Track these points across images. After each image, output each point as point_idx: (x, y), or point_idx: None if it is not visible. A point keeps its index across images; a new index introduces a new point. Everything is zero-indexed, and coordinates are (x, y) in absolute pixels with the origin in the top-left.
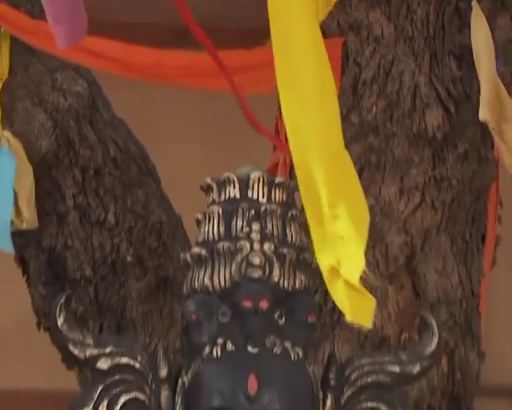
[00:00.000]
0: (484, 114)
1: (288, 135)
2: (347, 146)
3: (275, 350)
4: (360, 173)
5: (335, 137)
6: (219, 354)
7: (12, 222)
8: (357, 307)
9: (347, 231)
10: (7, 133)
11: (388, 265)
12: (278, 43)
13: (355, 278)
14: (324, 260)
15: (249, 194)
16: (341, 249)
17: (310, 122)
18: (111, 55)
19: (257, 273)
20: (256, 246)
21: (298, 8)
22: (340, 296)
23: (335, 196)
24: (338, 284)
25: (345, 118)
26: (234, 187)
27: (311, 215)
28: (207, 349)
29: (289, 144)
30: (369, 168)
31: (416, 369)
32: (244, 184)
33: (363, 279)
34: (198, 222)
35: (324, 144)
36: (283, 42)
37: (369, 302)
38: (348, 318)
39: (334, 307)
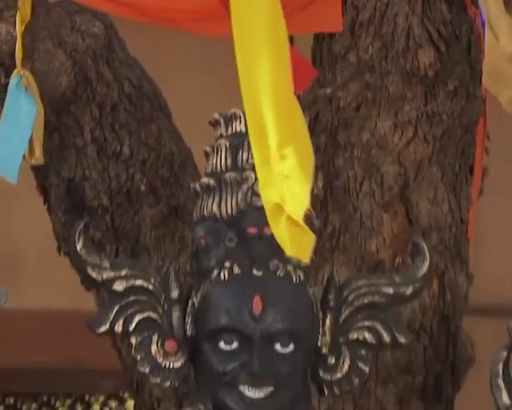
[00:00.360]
0: (486, 82)
1: (240, 78)
2: (346, 84)
3: (278, 273)
4: (357, 109)
5: (285, 82)
6: (226, 276)
7: (23, 157)
8: (297, 243)
9: (294, 170)
10: (27, 73)
11: (383, 194)
12: None
13: (298, 215)
14: (269, 198)
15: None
16: (286, 188)
17: (261, 67)
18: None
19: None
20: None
21: None
22: (282, 232)
23: (284, 137)
24: (281, 220)
25: (343, 58)
26: (240, 122)
27: (258, 155)
28: (215, 272)
29: (241, 87)
30: (365, 104)
31: (409, 290)
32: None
33: (306, 217)
34: (206, 154)
35: (275, 89)
36: None
37: (309, 238)
38: (288, 252)
39: (333, 232)
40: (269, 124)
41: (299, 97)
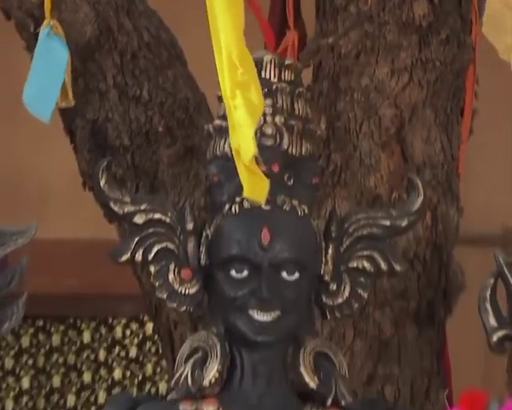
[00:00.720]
0: (486, 30)
1: (212, 34)
2: (346, 34)
3: (284, 207)
4: (357, 57)
5: (238, 38)
6: (237, 210)
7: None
8: (253, 186)
9: (243, 119)
10: (56, 23)
11: (381, 134)
12: None
13: (248, 161)
14: (233, 144)
15: (262, 74)
16: (240, 135)
17: (220, 24)
18: None
19: (269, 142)
20: (268, 119)
21: None
22: (242, 175)
23: (234, 89)
24: (240, 164)
25: (344, 9)
26: (254, 66)
27: (226, 105)
28: (227, 206)
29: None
30: (365, 52)
31: (405, 223)
32: (258, 66)
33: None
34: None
35: (227, 45)
36: None
37: (264, 183)
38: (245, 194)
39: (335, 169)
40: (226, 78)
41: (304, 47)
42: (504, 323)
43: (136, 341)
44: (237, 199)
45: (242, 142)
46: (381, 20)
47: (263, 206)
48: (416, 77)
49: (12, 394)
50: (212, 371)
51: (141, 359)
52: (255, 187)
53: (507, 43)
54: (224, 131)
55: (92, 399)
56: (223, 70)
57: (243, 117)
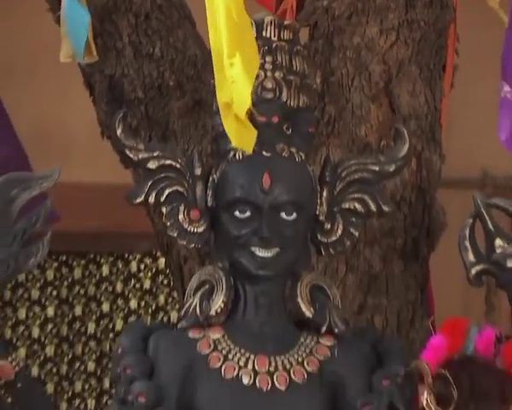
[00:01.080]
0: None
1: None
2: None
3: (283, 154)
4: (349, 18)
5: (238, 3)
6: (241, 157)
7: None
8: (242, 136)
9: (239, 76)
10: None
11: (371, 88)
12: None
13: (242, 114)
14: (222, 98)
15: (263, 34)
16: (235, 90)
17: None
18: None
19: (269, 95)
20: (269, 74)
21: None
22: (230, 127)
23: (233, 48)
24: (229, 117)
25: None
26: (255, 30)
27: (216, 63)
28: (231, 153)
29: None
30: (356, 14)
31: (392, 168)
32: (260, 26)
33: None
34: None
35: (228, 8)
36: None
37: (252, 133)
38: (233, 143)
39: (329, 120)
40: (223, 37)
41: (302, 8)
42: (482, 259)
43: (149, 274)
44: (237, 170)
45: (236, 96)
46: None
47: (264, 153)
48: (403, 36)
49: (38, 322)
50: (218, 302)
51: (154, 290)
52: (243, 137)
53: None
54: None
55: (110, 326)
56: (220, 33)
57: (240, 74)
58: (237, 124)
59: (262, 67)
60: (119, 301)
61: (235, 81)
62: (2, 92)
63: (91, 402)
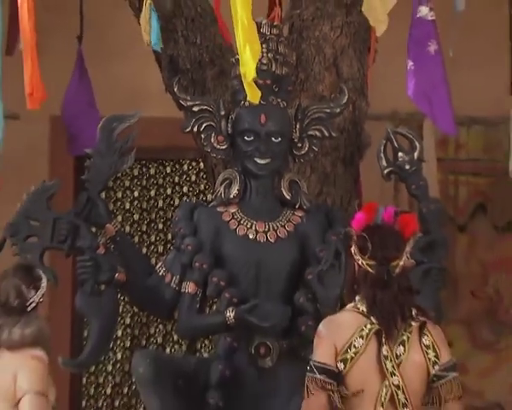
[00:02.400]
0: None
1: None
2: (307, 7)
3: (273, 103)
4: (313, 20)
5: (247, 11)
6: (248, 104)
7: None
8: (252, 94)
9: (248, 62)
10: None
11: (325, 62)
12: None
13: (250, 80)
14: (243, 72)
15: (261, 30)
16: (247, 66)
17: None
18: None
19: (265, 67)
20: (264, 55)
21: None
22: (246, 88)
23: (245, 42)
24: (245, 83)
25: None
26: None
27: (238, 49)
28: (242, 102)
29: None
30: (316, 18)
31: (338, 110)
32: (259, 26)
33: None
34: (236, 60)
35: (241, 16)
36: None
37: (257, 93)
38: (248, 98)
39: (301, 82)
40: (240, 35)
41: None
42: (390, 164)
43: (194, 172)
44: (246, 113)
45: (247, 70)
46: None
47: (261, 102)
48: (344, 31)
49: (128, 199)
50: (234, 190)
51: (197, 181)
52: (253, 95)
53: (375, 17)
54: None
55: (168, 200)
56: (239, 32)
57: (249, 57)
58: (249, 87)
59: (262, 50)
60: (177, 187)
61: (247, 61)
62: (106, 64)
63: (161, 248)
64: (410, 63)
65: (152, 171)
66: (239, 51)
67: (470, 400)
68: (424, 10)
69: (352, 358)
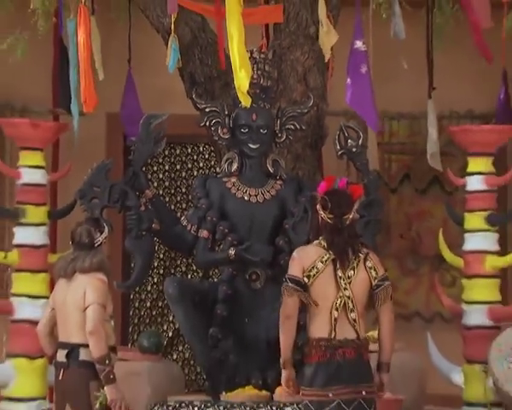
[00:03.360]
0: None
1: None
2: (285, 39)
3: (261, 106)
4: (289, 48)
5: (241, 38)
6: (243, 106)
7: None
8: (245, 101)
9: (242, 80)
10: (175, 35)
11: (297, 77)
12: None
13: (245, 92)
14: (236, 85)
15: (253, 55)
16: (241, 82)
17: (233, 35)
18: None
19: (255, 81)
20: (255, 72)
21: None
22: (240, 97)
23: (240, 65)
24: (239, 93)
25: (284, 29)
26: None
27: (234, 70)
28: (239, 105)
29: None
30: (291, 46)
31: (306, 110)
32: (252, 52)
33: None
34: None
35: (236, 41)
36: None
37: (248, 100)
38: (243, 103)
39: (280, 91)
40: (236, 59)
41: (268, 45)
42: (343, 147)
43: (207, 152)
44: (242, 113)
45: (242, 84)
46: (297, 34)
47: (253, 105)
48: (311, 55)
49: (161, 172)
50: (234, 166)
51: (208, 157)
52: (245, 101)
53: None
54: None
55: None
56: (235, 59)
57: (243, 75)
58: (242, 96)
59: (252, 69)
60: (195, 163)
61: (241, 78)
62: (146, 76)
63: (184, 205)
64: (348, 80)
65: (178, 151)
66: (234, 71)
67: (399, 310)
68: (359, 43)
69: (314, 275)
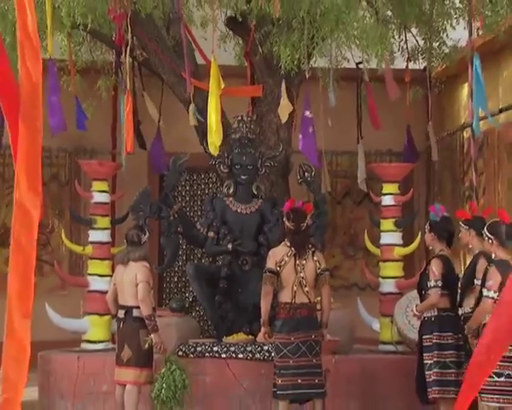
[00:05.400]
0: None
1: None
2: (266, 106)
3: (248, 151)
4: (266, 115)
5: (217, 106)
6: (237, 151)
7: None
8: (214, 150)
9: (215, 138)
10: (194, 106)
11: (272, 131)
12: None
13: (214, 147)
14: (210, 140)
15: (243, 118)
16: (212, 141)
17: (211, 104)
18: None
19: (244, 135)
20: (244, 129)
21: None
22: (211, 149)
23: (215, 131)
24: (211, 147)
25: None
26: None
27: (209, 132)
28: (235, 150)
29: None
30: (267, 111)
31: (278, 153)
32: (242, 116)
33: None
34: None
35: (212, 109)
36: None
37: (215, 150)
38: (211, 151)
39: (261, 140)
40: (211, 127)
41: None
42: (301, 178)
43: (213, 178)
44: (236, 156)
45: (213, 143)
46: (271, 103)
47: (243, 151)
48: (279, 118)
49: (184, 192)
50: (231, 190)
51: (216, 182)
52: (214, 152)
53: (283, 115)
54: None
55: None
56: (211, 127)
57: (214, 139)
58: (214, 149)
59: (242, 127)
60: (206, 186)
61: (213, 140)
62: (173, 127)
63: (198, 217)
64: (300, 136)
65: (194, 177)
66: (209, 135)
67: (342, 282)
68: (307, 113)
69: (282, 265)
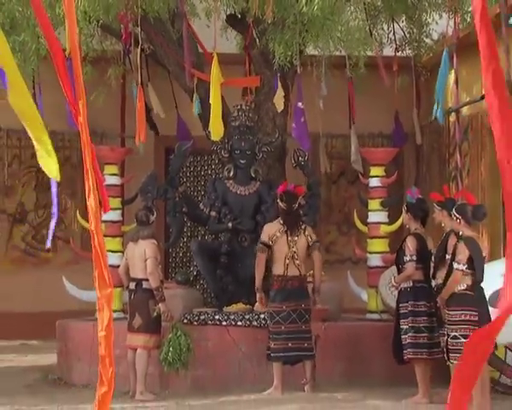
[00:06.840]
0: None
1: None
2: (263, 94)
3: (247, 138)
4: (263, 103)
5: (218, 100)
6: (236, 138)
7: None
8: (217, 136)
9: (215, 126)
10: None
11: (270, 120)
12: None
13: (216, 134)
14: (211, 129)
15: (242, 106)
16: (213, 128)
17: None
18: None
19: (243, 123)
20: (243, 117)
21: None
22: (213, 135)
23: (215, 118)
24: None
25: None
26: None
27: (212, 119)
28: (235, 137)
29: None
30: (263, 102)
31: (274, 139)
32: (241, 105)
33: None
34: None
35: (215, 109)
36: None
37: (219, 135)
38: (213, 136)
39: (259, 128)
40: (213, 116)
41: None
42: (296, 162)
43: (216, 161)
44: (236, 142)
45: (215, 131)
46: (268, 92)
47: (242, 137)
48: (274, 111)
49: (189, 172)
50: (231, 173)
51: (219, 164)
52: (216, 137)
53: (279, 105)
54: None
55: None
56: (213, 116)
57: (216, 126)
58: (216, 135)
59: (241, 115)
60: (210, 167)
61: (215, 128)
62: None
63: (201, 197)
64: (293, 125)
65: (198, 159)
66: (211, 124)
67: (336, 257)
68: (299, 104)
69: (275, 239)
